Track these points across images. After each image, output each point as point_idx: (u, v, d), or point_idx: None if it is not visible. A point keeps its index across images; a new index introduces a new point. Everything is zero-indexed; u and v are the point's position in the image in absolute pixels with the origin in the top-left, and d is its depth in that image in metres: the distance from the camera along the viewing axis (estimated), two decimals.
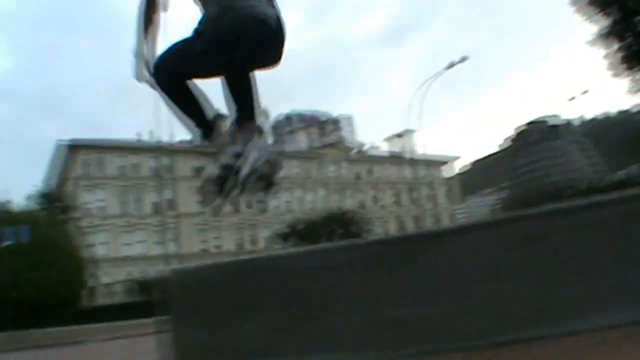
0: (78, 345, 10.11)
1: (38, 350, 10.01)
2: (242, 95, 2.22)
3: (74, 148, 41.50)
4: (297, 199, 50.73)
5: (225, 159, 2.30)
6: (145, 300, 31.23)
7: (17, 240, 16.09)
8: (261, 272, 3.07)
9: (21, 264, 20.19)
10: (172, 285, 3.11)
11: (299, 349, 2.79)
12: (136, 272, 40.04)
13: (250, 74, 2.30)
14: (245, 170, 2.20)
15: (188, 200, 41.85)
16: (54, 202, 31.82)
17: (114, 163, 42.58)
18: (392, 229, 52.51)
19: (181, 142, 41.39)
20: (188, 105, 2.39)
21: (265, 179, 2.35)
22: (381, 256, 2.89)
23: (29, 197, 32.68)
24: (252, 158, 2.24)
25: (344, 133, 74.82)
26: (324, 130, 73.03)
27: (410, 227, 53.58)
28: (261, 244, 45.19)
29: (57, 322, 21.86)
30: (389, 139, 62.38)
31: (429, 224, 53.24)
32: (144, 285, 37.94)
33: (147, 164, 43.95)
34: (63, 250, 22.93)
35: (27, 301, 19.73)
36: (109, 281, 37.32)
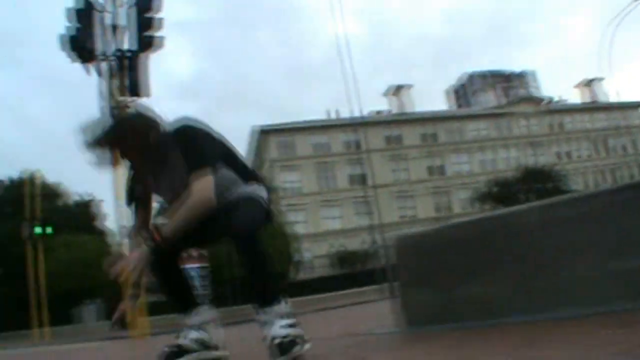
0: (305, 315, 11.03)
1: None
2: None
3: (266, 133, 45.05)
4: (490, 160, 48.80)
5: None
6: (350, 272, 33.14)
7: None
8: (487, 231, 3.05)
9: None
10: (397, 251, 3.27)
11: (532, 305, 2.73)
12: (337, 245, 42.62)
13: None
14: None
15: (382, 170, 43.03)
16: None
17: (306, 142, 45.18)
18: (591, 182, 47.71)
19: (370, 113, 42.70)
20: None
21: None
22: (612, 206, 2.66)
23: None
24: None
25: (530, 87, 69.50)
26: (509, 86, 68.70)
27: (610, 179, 48.11)
28: (457, 209, 44.61)
29: None
30: (578, 88, 56.74)
31: (630, 174, 47.28)
32: (347, 258, 40.25)
33: (339, 139, 45.90)
34: (269, 229, 25.00)
35: (240, 279, 21.83)
36: (312, 256, 40.32)
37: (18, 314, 30.59)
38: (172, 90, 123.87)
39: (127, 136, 2.35)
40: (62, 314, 18.21)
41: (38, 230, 18.23)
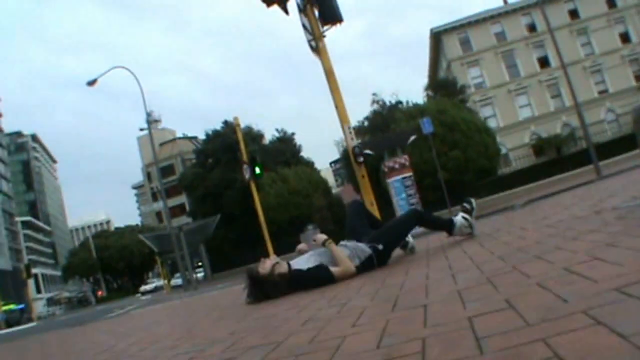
0: (524, 207, 11.65)
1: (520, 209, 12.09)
2: None
3: (443, 33, 43.93)
4: None
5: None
6: (550, 159, 32.19)
7: (426, 129, 18.39)
8: None
9: (442, 147, 23.65)
10: (636, 121, 3.83)
11: None
12: (531, 134, 41.07)
13: None
14: None
15: (570, 47, 39.45)
16: (446, 87, 35.26)
17: (484, 35, 43.09)
18: None
19: None
20: None
21: None
22: None
23: (425, 88, 37.33)
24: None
25: None
26: None
27: None
28: None
29: (482, 193, 24.94)
30: None
31: None
32: (544, 146, 38.77)
33: (517, 24, 42.88)
34: (472, 126, 25.47)
35: (451, 179, 23.00)
36: (511, 147, 39.59)
37: (243, 249, 36.06)
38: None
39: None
40: (286, 243, 20.68)
41: (258, 171, 18.80)
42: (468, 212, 4.44)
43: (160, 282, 55.90)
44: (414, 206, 14.31)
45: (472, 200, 4.51)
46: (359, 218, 4.31)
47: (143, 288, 56.59)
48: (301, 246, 4.25)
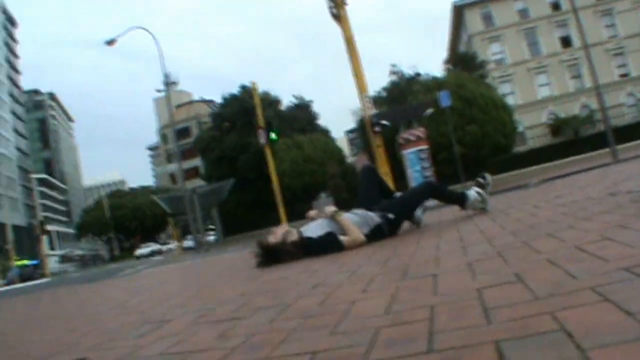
0: (552, 181, 11.54)
1: (519, 190, 12.05)
2: None
3: (464, 7, 42.95)
4: None
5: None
6: (566, 140, 31.79)
7: (444, 103, 18.18)
8: None
9: (459, 121, 23.48)
10: None
11: None
12: (548, 114, 40.41)
13: None
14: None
15: (594, 27, 38.43)
16: (466, 61, 34.68)
17: (506, 11, 42.10)
18: None
19: None
20: None
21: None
22: None
23: (445, 61, 36.76)
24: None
25: None
26: None
27: None
28: None
29: (497, 169, 24.77)
30: None
31: None
32: (561, 126, 38.20)
33: (541, 1, 41.78)
34: (490, 102, 25.17)
35: (467, 154, 22.87)
36: (524, 127, 39.04)
37: (256, 214, 36.07)
38: None
39: None
40: (299, 210, 20.80)
41: (274, 136, 18.94)
42: (482, 187, 4.42)
43: (156, 247, 55.41)
44: (428, 178, 14.30)
45: (487, 175, 4.48)
46: (371, 185, 4.31)
47: (139, 252, 52.48)
48: (312, 213, 4.27)
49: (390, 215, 3.99)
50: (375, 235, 3.89)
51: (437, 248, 2.73)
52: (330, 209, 3.97)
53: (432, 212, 6.02)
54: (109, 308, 3.38)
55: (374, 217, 3.96)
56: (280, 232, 3.91)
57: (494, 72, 40.08)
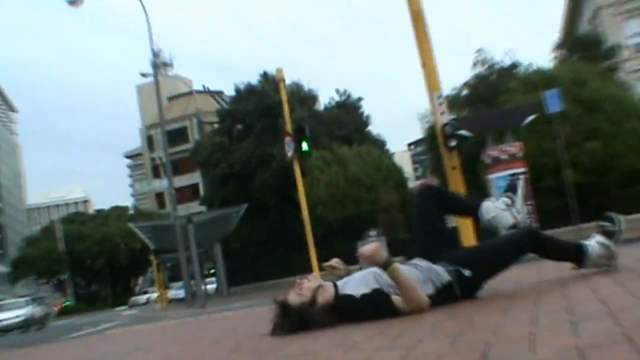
0: None
1: None
2: None
3: None
4: None
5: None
6: None
7: (552, 107, 17.90)
8: None
9: (574, 135, 23.04)
10: None
11: None
12: None
13: None
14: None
15: None
16: (588, 47, 34.27)
17: None
18: None
19: None
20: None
21: None
22: None
23: (556, 47, 36.50)
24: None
25: None
26: None
27: None
28: None
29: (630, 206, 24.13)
30: None
31: None
32: None
33: None
34: (622, 108, 24.59)
35: (584, 183, 22.35)
36: None
37: (275, 256, 35.84)
38: None
39: None
40: (337, 252, 20.50)
41: (306, 147, 18.81)
42: (609, 234, 4.30)
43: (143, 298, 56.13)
44: (528, 220, 14.10)
45: (617, 216, 4.35)
46: (433, 217, 4.26)
47: (134, 299, 56.31)
48: (335, 262, 4.23)
49: (466, 272, 3.93)
50: (442, 297, 3.86)
51: (533, 321, 2.70)
52: (382, 254, 3.93)
53: (526, 267, 5.94)
54: None
55: (441, 273, 3.91)
56: (310, 287, 3.89)
57: (629, 64, 39.51)
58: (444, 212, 4.41)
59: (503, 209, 4.14)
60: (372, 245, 3.80)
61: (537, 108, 18.15)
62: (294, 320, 3.82)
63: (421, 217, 4.27)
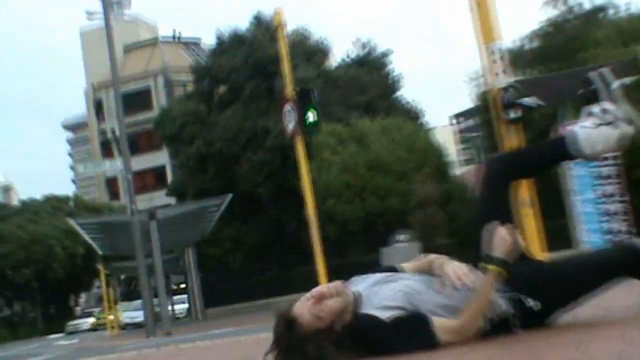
0: None
1: None
2: None
3: None
4: None
5: None
6: None
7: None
8: None
9: None
10: None
11: None
12: None
13: None
14: None
15: None
16: None
17: None
18: None
19: None
20: None
21: None
22: None
23: None
24: None
25: None
26: None
27: None
28: None
29: None
30: None
31: None
32: None
33: None
34: None
35: None
36: None
37: (269, 263, 35.70)
38: None
39: None
40: (352, 262, 19.78)
41: (312, 117, 18.69)
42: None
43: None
44: (623, 232, 14.03)
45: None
46: (503, 205, 4.21)
47: (73, 325, 56.11)
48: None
49: (531, 303, 3.79)
50: (496, 329, 3.78)
51: (619, 358, 2.73)
52: (456, 267, 3.83)
53: (611, 291, 5.96)
54: None
55: (497, 299, 3.75)
56: (333, 311, 3.65)
57: None
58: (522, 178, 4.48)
59: (596, 126, 3.99)
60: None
61: (634, 67, 18.13)
62: (301, 349, 3.55)
63: (488, 208, 4.17)
